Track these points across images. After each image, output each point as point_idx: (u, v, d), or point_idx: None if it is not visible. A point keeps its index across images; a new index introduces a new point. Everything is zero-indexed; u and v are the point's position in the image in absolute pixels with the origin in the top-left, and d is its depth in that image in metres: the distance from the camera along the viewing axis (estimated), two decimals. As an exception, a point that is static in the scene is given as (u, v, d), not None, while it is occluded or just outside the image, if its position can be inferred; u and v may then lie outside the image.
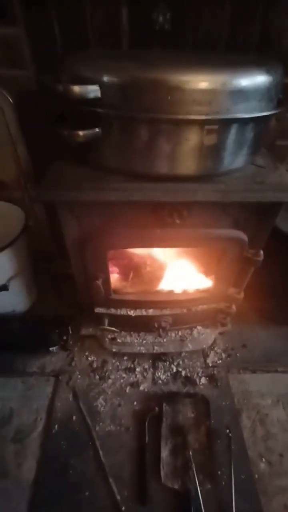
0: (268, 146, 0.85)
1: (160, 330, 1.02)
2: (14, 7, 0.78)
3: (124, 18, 0.79)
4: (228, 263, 0.86)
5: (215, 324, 1.10)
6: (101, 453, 0.84)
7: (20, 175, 1.07)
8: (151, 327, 1.02)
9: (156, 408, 0.92)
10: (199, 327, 1.11)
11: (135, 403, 0.96)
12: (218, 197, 0.68)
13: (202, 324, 1.11)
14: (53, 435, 0.88)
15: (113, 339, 1.08)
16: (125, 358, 1.07)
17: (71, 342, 1.10)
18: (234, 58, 0.70)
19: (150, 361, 1.06)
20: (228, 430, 0.88)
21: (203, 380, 1.01)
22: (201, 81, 0.53)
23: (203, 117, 0.56)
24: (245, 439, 0.88)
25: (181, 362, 1.06)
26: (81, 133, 0.60)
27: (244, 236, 0.78)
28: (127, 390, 0.98)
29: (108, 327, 1.02)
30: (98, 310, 1.00)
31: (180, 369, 1.04)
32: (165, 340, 1.07)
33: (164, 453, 0.83)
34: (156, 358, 1.07)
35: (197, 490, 0.76)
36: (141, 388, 0.99)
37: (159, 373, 1.03)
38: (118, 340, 1.07)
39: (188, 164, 0.64)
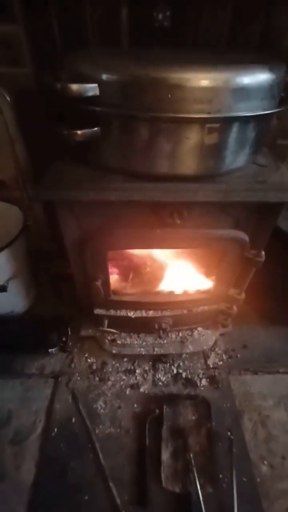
0: (269, 146, 0.84)
1: (160, 332, 1.01)
2: (14, 5, 0.77)
3: (124, 17, 0.79)
4: (229, 263, 0.86)
5: (216, 325, 1.09)
6: (100, 455, 0.84)
7: (19, 174, 1.07)
8: (151, 328, 1.01)
9: (157, 410, 0.91)
10: (199, 328, 1.10)
11: (135, 405, 0.95)
12: (219, 197, 0.67)
13: (203, 325, 1.10)
14: (52, 437, 0.87)
15: (113, 340, 1.07)
16: (125, 359, 1.06)
17: (70, 343, 1.09)
18: (236, 56, 0.69)
19: (150, 362, 1.05)
20: (229, 433, 0.87)
21: (203, 381, 1.00)
22: (203, 79, 0.52)
23: (204, 116, 0.55)
24: (246, 441, 0.87)
25: (181, 364, 1.05)
26: (79, 132, 0.59)
27: (245, 237, 0.78)
28: (127, 392, 0.98)
29: (107, 329, 1.01)
30: (98, 311, 0.99)
31: (180, 371, 1.03)
32: (165, 341, 1.07)
33: (165, 455, 0.83)
34: (156, 360, 1.06)
35: (198, 494, 0.75)
36: (141, 390, 0.98)
37: (160, 375, 1.02)
38: (118, 341, 1.06)
39: (188, 164, 0.64)
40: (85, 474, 0.81)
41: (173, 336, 1.08)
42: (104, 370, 1.03)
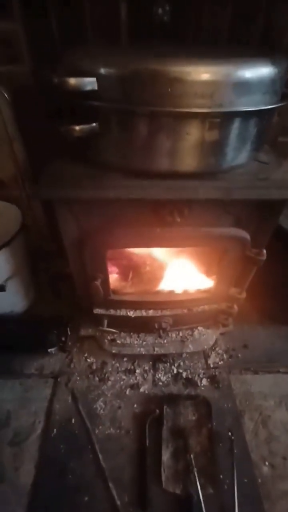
0: (271, 143, 0.83)
1: (161, 331, 1.00)
2: (13, 3, 0.77)
3: (123, 13, 0.78)
4: (230, 262, 0.85)
5: (216, 325, 1.08)
6: (100, 456, 0.83)
7: (17, 173, 1.06)
8: (151, 328, 1.00)
9: (157, 411, 0.90)
10: (200, 328, 1.09)
11: (135, 405, 0.94)
12: (220, 194, 0.66)
13: (203, 325, 1.09)
14: (51, 438, 0.87)
15: (113, 340, 1.06)
16: (125, 359, 1.05)
17: (70, 343, 1.08)
18: (237, 50, 0.68)
19: (150, 362, 1.05)
20: (230, 433, 0.86)
21: (204, 381, 0.99)
22: (204, 72, 0.51)
23: (205, 110, 0.54)
24: (247, 441, 0.87)
25: (182, 363, 1.04)
26: (77, 127, 0.58)
27: (246, 235, 0.77)
28: (127, 392, 0.97)
29: (107, 328, 1.01)
30: (97, 311, 0.98)
31: (181, 371, 1.02)
32: (165, 341, 1.06)
33: (165, 456, 0.82)
34: (157, 360, 1.05)
35: (199, 495, 0.74)
36: (141, 390, 0.97)
37: (160, 375, 1.01)
38: (118, 341, 1.06)
39: (189, 161, 0.63)
40: (85, 475, 0.80)
41: (173, 335, 1.07)
42: (104, 370, 1.02)
